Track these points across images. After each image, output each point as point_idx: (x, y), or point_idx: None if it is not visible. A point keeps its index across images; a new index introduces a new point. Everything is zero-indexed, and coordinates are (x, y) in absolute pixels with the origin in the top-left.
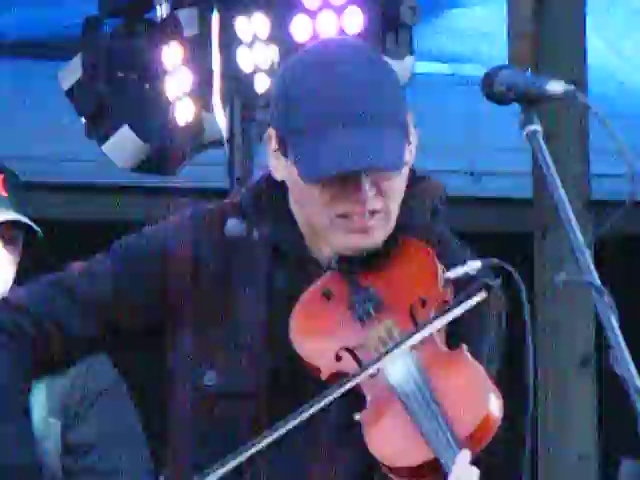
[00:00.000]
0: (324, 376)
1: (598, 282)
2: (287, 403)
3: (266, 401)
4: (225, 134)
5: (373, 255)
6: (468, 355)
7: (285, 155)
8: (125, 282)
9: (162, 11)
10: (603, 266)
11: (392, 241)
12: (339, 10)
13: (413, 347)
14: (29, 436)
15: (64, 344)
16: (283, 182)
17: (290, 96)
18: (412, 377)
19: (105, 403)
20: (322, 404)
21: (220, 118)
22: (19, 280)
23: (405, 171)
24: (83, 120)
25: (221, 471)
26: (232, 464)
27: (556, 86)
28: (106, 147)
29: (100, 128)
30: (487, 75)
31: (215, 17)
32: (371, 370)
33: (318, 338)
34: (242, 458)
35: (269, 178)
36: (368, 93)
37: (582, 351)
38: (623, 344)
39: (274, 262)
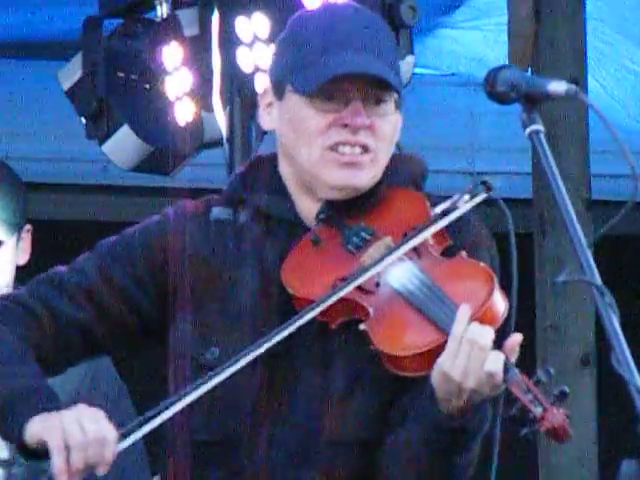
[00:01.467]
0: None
1: (599, 282)
2: (287, 364)
3: (268, 364)
4: (225, 134)
5: (360, 203)
6: (467, 258)
7: (281, 98)
8: (113, 274)
9: (162, 11)
10: (604, 266)
11: (377, 190)
12: None
13: (411, 258)
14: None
15: (59, 333)
16: (273, 157)
17: (292, 39)
18: (415, 277)
19: (108, 410)
20: (319, 309)
21: (220, 118)
22: (21, 280)
23: (396, 122)
24: (83, 120)
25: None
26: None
27: (558, 86)
28: (106, 147)
29: (100, 128)
30: (489, 75)
31: (215, 17)
32: (372, 272)
33: (313, 276)
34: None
35: (259, 157)
36: (368, 32)
37: (582, 351)
38: (624, 344)
39: (264, 235)
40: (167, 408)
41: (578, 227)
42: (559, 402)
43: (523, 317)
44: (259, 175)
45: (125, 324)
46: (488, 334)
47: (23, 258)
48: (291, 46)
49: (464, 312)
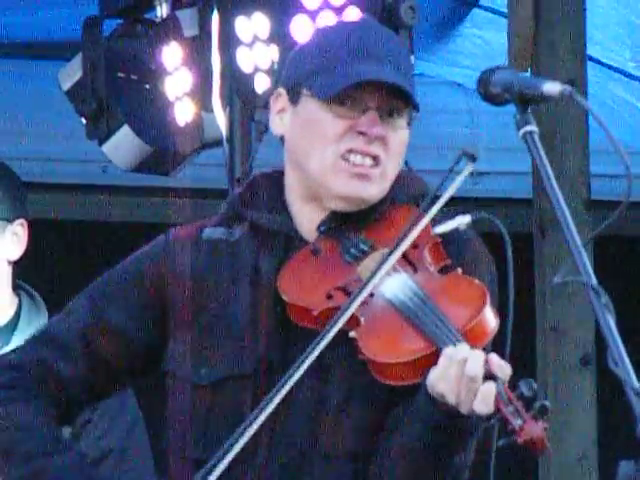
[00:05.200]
0: (315, 312)
1: (595, 282)
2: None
3: (263, 378)
4: (225, 134)
5: (362, 217)
6: (462, 275)
7: (296, 103)
8: (107, 317)
9: (162, 11)
10: (601, 266)
11: (380, 207)
12: (339, 10)
13: (407, 272)
14: (81, 462)
15: (62, 389)
16: (272, 174)
17: (313, 47)
18: (408, 288)
19: (115, 417)
20: (325, 340)
21: (220, 118)
22: (24, 279)
23: (405, 138)
24: (83, 120)
25: (228, 455)
26: (238, 441)
27: (552, 87)
28: (106, 147)
29: (100, 128)
30: (482, 76)
31: (215, 17)
32: (368, 289)
33: (308, 284)
34: (249, 430)
35: (258, 175)
36: (390, 46)
37: (582, 351)
38: (621, 344)
39: (260, 249)
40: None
41: (573, 227)
42: (539, 416)
43: (523, 317)
44: (257, 192)
45: (125, 365)
46: (478, 362)
47: (15, 253)
48: (312, 53)
49: (462, 348)
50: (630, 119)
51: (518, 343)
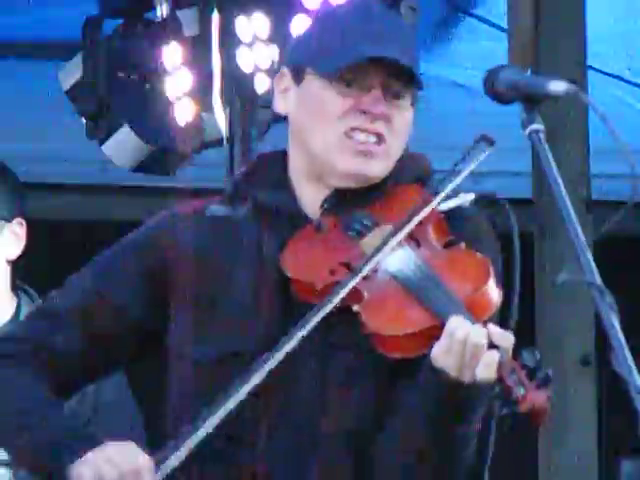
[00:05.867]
0: (318, 287)
1: (599, 282)
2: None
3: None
4: (225, 134)
5: (365, 195)
6: (465, 248)
7: (299, 82)
8: (108, 293)
9: (162, 11)
10: (603, 266)
11: (384, 186)
12: None
13: (411, 247)
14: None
15: (56, 363)
16: (276, 153)
17: (318, 27)
18: (412, 262)
19: (114, 415)
20: (324, 310)
21: (220, 118)
22: (23, 280)
23: (410, 119)
24: (83, 120)
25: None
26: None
27: (558, 85)
28: (106, 147)
29: (100, 128)
30: (489, 74)
31: (215, 17)
32: (372, 263)
33: (311, 260)
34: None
35: (261, 154)
36: (398, 29)
37: (582, 351)
38: (624, 344)
39: (264, 229)
40: (198, 429)
41: (578, 227)
42: (542, 385)
43: (523, 317)
44: (261, 171)
45: (124, 344)
46: (482, 333)
47: (13, 252)
48: (316, 32)
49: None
50: (629, 119)
51: (517, 343)
